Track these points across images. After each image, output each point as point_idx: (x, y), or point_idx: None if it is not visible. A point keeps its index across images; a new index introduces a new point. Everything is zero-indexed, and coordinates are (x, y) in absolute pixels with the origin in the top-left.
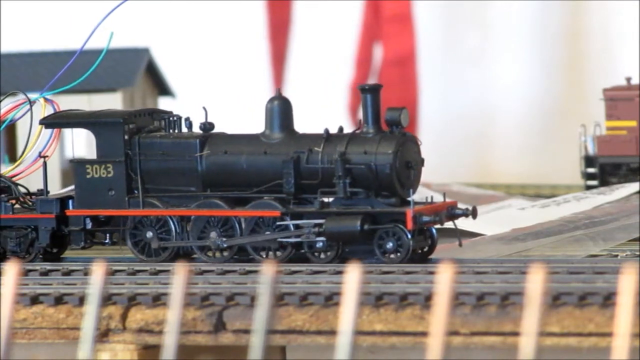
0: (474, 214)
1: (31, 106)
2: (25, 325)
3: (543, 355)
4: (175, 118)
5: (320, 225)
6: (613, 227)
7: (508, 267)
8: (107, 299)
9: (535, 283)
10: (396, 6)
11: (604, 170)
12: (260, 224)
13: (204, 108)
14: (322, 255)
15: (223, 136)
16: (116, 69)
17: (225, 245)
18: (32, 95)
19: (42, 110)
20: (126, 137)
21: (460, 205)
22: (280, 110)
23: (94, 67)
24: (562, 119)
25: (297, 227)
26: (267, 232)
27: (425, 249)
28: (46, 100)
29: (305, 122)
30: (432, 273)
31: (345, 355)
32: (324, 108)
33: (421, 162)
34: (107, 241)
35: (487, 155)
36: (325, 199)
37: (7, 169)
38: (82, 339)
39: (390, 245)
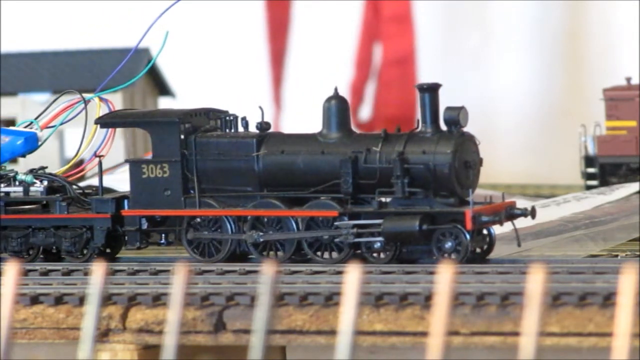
0: (532, 213)
1: (86, 105)
2: (25, 325)
3: (543, 355)
4: (231, 117)
5: (377, 225)
6: (613, 227)
7: (508, 267)
8: (107, 299)
9: (536, 283)
10: (396, 6)
11: (604, 170)
12: (318, 224)
13: (260, 107)
14: (380, 256)
15: (280, 136)
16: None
17: (260, 240)
18: (87, 95)
19: (97, 109)
20: (182, 136)
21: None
22: (338, 109)
23: (149, 66)
24: (562, 119)
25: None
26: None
27: (484, 249)
28: (101, 99)
29: (303, 123)
30: (432, 273)
31: (345, 355)
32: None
33: (480, 161)
34: (162, 241)
35: (487, 155)
36: (383, 199)
37: (61, 169)
38: (82, 339)
39: (449, 245)
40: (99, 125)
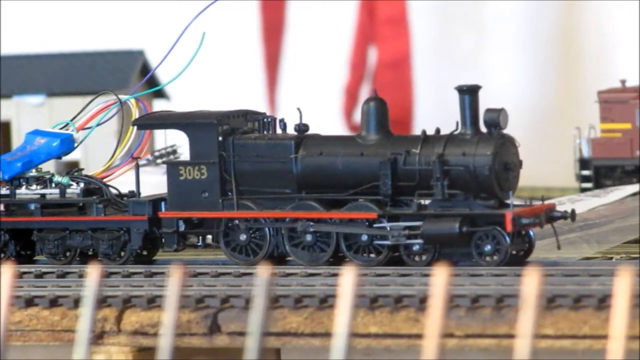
0: (572, 216)
1: (122, 107)
2: (20, 328)
3: (538, 358)
4: (269, 119)
5: (414, 227)
6: (608, 229)
7: (502, 270)
8: (102, 302)
9: (531, 285)
10: (391, 8)
11: (598, 172)
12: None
13: (299, 109)
14: (419, 258)
15: (318, 138)
16: (111, 72)
17: (311, 230)
18: (123, 96)
19: (134, 111)
20: (220, 138)
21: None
22: (377, 111)
23: (186, 67)
24: (556, 121)
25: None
26: (363, 234)
27: (523, 252)
28: (137, 101)
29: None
30: (426, 275)
31: (340, 357)
32: (319, 111)
33: (519, 163)
34: (199, 244)
35: None
36: (422, 201)
37: (98, 170)
38: (77, 341)
39: (488, 247)
40: (135, 127)
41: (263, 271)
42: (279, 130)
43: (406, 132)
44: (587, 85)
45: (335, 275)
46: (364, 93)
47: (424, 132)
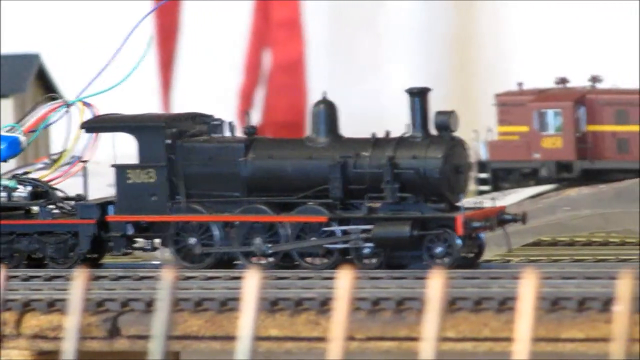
0: (524, 219)
1: (68, 109)
2: None
3: None
4: (217, 122)
5: (367, 231)
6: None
7: (403, 273)
8: (1, 305)
9: (435, 288)
10: (285, 12)
11: (496, 175)
12: (306, 230)
13: (248, 113)
14: (369, 261)
15: (267, 140)
16: (6, 75)
17: (270, 252)
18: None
19: (81, 114)
20: (168, 141)
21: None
22: (326, 114)
23: (133, 70)
24: None
25: (343, 233)
26: (313, 238)
27: (474, 254)
28: (84, 104)
29: None
30: (326, 279)
31: None
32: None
33: (470, 166)
34: (148, 247)
35: None
36: (373, 205)
37: (44, 174)
38: None
39: (439, 250)
40: (83, 130)
41: (167, 274)
42: (227, 133)
43: (299, 135)
44: (484, 88)
45: (235, 278)
46: (259, 96)
47: (374, 135)
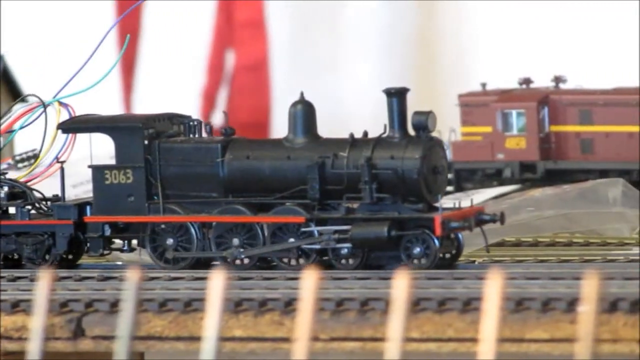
0: (502, 219)
1: (45, 110)
2: None
3: None
4: (195, 122)
5: (343, 231)
6: (470, 233)
7: (366, 273)
8: None
9: (400, 289)
10: (249, 12)
11: (459, 176)
12: (284, 231)
13: (225, 112)
14: (347, 262)
15: (245, 141)
16: None
17: (242, 257)
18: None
19: (57, 114)
20: (146, 142)
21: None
22: (304, 114)
23: (110, 70)
24: None
25: (320, 234)
26: (291, 239)
27: (451, 255)
28: (61, 104)
29: None
30: (291, 279)
31: None
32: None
33: (448, 167)
34: (125, 248)
35: None
36: (351, 205)
37: (22, 174)
38: None
39: (417, 250)
40: (60, 131)
41: (132, 275)
42: (204, 134)
43: (264, 136)
44: (447, 88)
45: (199, 279)
46: (222, 97)
47: (351, 135)
